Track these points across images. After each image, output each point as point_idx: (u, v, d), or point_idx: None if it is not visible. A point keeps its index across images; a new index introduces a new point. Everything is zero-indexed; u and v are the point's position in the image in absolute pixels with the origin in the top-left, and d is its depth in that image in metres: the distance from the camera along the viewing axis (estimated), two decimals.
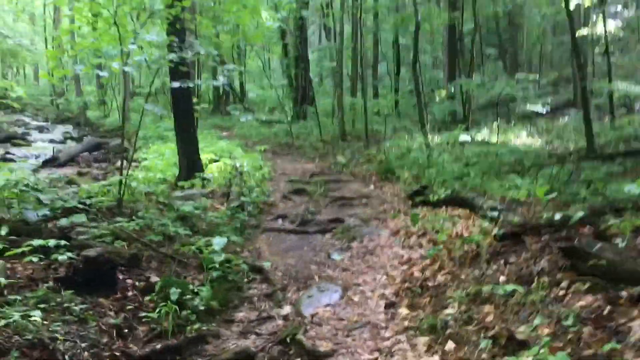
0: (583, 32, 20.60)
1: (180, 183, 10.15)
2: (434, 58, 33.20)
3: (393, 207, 9.49)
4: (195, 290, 5.35)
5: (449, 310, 4.50)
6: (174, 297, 5.02)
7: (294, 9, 16.87)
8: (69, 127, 27.46)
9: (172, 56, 8.25)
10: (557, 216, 5.00)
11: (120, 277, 5.76)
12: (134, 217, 7.47)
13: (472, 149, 13.36)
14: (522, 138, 17.52)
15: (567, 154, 14.61)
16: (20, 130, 24.85)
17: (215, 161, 12.36)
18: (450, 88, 18.21)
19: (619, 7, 27.13)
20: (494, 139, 16.93)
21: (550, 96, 24.70)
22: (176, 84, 8.93)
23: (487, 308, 4.24)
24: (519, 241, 5.31)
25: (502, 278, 4.59)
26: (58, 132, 26.12)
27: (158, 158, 12.41)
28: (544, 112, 20.87)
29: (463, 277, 5.12)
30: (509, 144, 15.75)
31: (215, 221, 7.89)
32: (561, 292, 3.96)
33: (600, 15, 19.29)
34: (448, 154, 13.11)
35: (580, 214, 4.89)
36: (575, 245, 4.02)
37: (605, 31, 18.78)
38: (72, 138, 23.17)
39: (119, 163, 16.14)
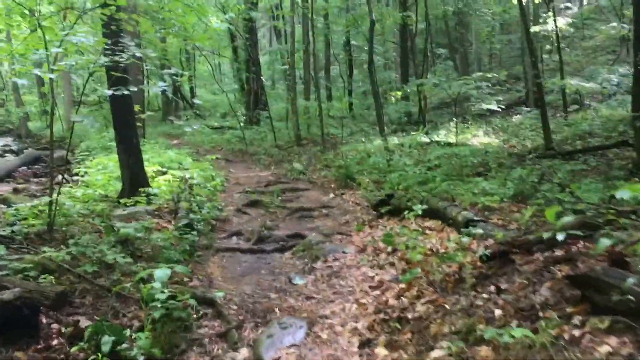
0: (534, 29, 20.33)
1: (122, 200, 9.12)
2: (386, 59, 32.74)
3: (356, 217, 8.71)
4: (134, 337, 4.43)
5: (436, 353, 3.71)
6: (106, 348, 4.09)
7: (242, 10, 15.96)
8: (9, 140, 25.77)
9: (104, 60, 7.26)
10: (547, 234, 4.29)
11: (44, 321, 4.79)
12: (67, 244, 6.48)
13: (432, 151, 12.73)
14: (479, 137, 17.05)
15: (526, 152, 14.18)
16: None
17: (163, 173, 11.35)
18: (405, 88, 17.59)
19: (566, 4, 27.21)
20: (451, 139, 16.42)
21: (500, 95, 24.50)
22: (111, 91, 7.89)
23: (485, 351, 3.48)
24: (508, 261, 4.58)
25: (497, 312, 3.83)
26: None
27: (100, 172, 11.30)
28: (499, 110, 20.51)
29: (448, 306, 4.34)
30: (467, 144, 15.23)
31: (161, 244, 6.94)
32: (576, 332, 3.22)
33: (550, 12, 19.03)
34: (408, 157, 12.45)
35: (575, 230, 4.21)
36: (590, 275, 3.28)
37: (556, 27, 18.52)
38: (11, 151, 21.61)
39: (59, 177, 14.93)
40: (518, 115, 21.31)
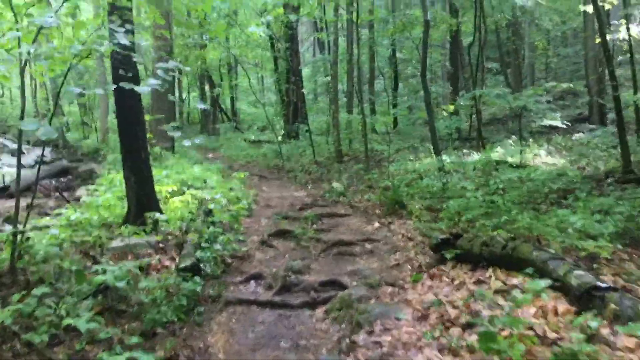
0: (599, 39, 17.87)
1: (123, 228, 7.28)
2: (432, 72, 30.54)
3: (409, 259, 6.61)
4: None
5: None
6: None
7: (281, 14, 14.17)
8: (46, 150, 24.63)
9: (106, 46, 5.42)
10: None
11: None
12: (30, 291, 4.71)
13: (499, 173, 10.49)
14: (541, 157, 14.69)
15: (602, 176, 11.83)
16: None
17: (181, 193, 9.50)
18: (459, 101, 15.37)
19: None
20: (510, 159, 14.16)
21: (558, 111, 21.99)
22: (101, 90, 6.00)
23: None
24: None
25: None
26: (33, 155, 23.27)
27: (109, 190, 9.53)
28: (559, 128, 18.09)
29: None
30: (530, 164, 12.92)
31: (152, 295, 5.02)
32: None
33: (623, 19, 16.55)
34: (467, 179, 10.27)
35: None
36: None
37: (630, 36, 16.03)
38: (44, 162, 20.30)
39: (80, 192, 13.22)
40: (580, 134, 18.78)
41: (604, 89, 18.91)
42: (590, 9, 16.34)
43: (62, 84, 6.35)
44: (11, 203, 13.37)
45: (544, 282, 3.76)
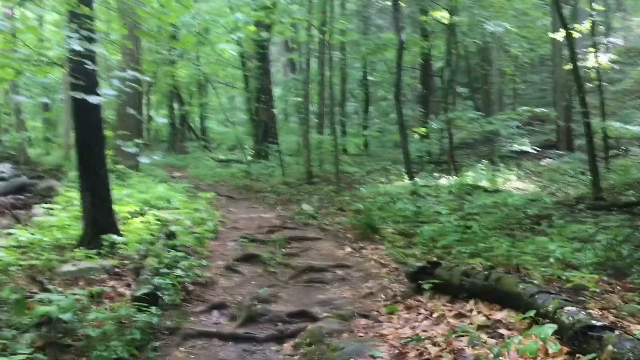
0: (568, 66, 18.04)
1: (76, 251, 6.71)
2: (403, 96, 30.54)
3: (383, 287, 6.20)
4: None
5: None
6: None
7: (253, 31, 13.81)
8: (6, 166, 23.61)
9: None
10: None
11: None
12: None
13: (473, 198, 10.23)
14: (511, 182, 14.57)
15: (572, 202, 11.72)
16: None
17: (143, 214, 8.94)
18: (431, 124, 15.17)
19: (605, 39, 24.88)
20: (482, 184, 14.01)
21: (527, 137, 22.08)
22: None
23: None
24: None
25: None
26: None
27: (66, 209, 8.92)
28: (528, 153, 18.13)
29: None
30: (501, 189, 12.74)
31: (102, 329, 4.49)
32: None
33: (591, 47, 16.70)
34: (440, 203, 9.98)
35: None
36: None
37: (598, 64, 16.20)
38: (2, 179, 19.36)
39: (36, 210, 12.47)
40: (548, 159, 18.82)
41: (571, 116, 19.04)
42: (559, 36, 16.47)
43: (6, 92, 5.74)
44: None
45: (550, 328, 3.38)
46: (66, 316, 4.28)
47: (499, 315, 4.40)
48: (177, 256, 6.37)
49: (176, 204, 9.83)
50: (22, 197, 15.67)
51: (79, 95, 4.94)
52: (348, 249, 8.29)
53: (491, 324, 4.26)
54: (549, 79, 29.75)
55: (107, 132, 7.98)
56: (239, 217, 11.46)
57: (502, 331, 4.13)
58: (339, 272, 7.07)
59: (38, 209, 10.91)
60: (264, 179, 16.47)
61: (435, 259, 6.26)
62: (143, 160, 4.92)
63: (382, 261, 7.31)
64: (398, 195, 10.40)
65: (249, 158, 18.39)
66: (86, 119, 7.17)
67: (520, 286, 4.30)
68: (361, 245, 8.48)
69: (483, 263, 5.86)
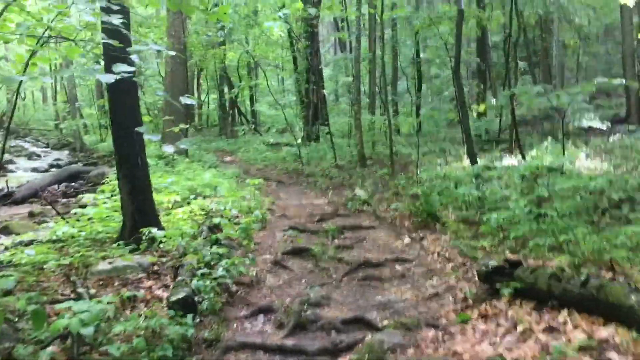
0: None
1: (115, 246, 6.18)
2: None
3: (450, 287, 5.37)
4: None
5: None
6: None
7: (300, 8, 12.98)
8: (64, 154, 23.86)
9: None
10: None
11: None
12: None
13: (547, 179, 9.12)
14: (581, 161, 13.27)
15: None
16: (7, 158, 21.21)
17: (187, 203, 8.37)
18: (498, 99, 13.93)
19: None
20: (548, 163, 12.82)
21: (593, 111, 20.45)
22: (110, 78, 4.71)
23: None
24: None
25: None
26: (50, 158, 22.51)
27: (111, 199, 8.45)
28: (602, 128, 16.65)
29: None
30: (576, 170, 11.53)
31: (129, 343, 3.87)
32: None
33: None
34: (508, 187, 8.97)
35: None
36: None
37: None
38: (58, 166, 19.45)
39: (86, 198, 12.15)
40: (617, 135, 17.28)
41: None
42: (630, 1, 14.88)
43: (25, 67, 5.13)
44: (15, 210, 12.43)
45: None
46: (87, 331, 3.67)
47: (604, 332, 3.51)
48: (219, 253, 5.71)
49: (222, 192, 9.22)
50: (74, 184, 15.56)
51: (104, 78, 4.27)
52: (407, 240, 7.47)
53: (596, 345, 3.38)
54: (613, 50, 27.69)
55: (146, 118, 7.40)
56: (288, 203, 10.79)
57: (612, 355, 3.25)
58: (398, 267, 6.27)
59: (85, 198, 10.56)
60: (315, 162, 15.73)
61: (509, 255, 5.37)
62: (166, 149, 4.17)
63: (447, 255, 6.46)
64: (459, 179, 9.42)
65: (299, 141, 17.68)
66: (120, 100, 6.59)
67: (633, 297, 3.39)
68: (421, 235, 7.63)
69: (567, 259, 4.94)
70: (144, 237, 6.22)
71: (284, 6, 13.90)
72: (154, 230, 6.25)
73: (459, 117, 17.04)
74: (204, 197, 8.98)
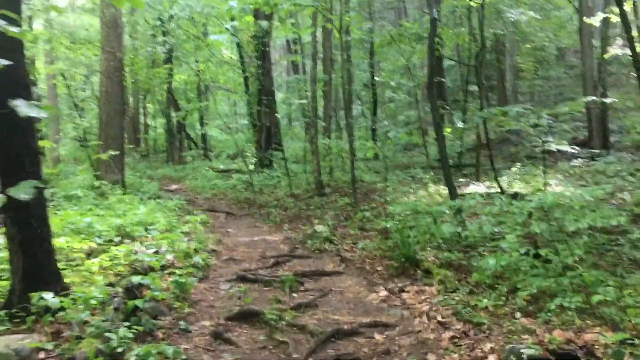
0: (612, 51, 15.65)
1: None
2: (412, 96, 28.08)
3: None
4: None
5: None
6: None
7: (251, 21, 11.43)
8: None
9: None
10: None
11: None
12: None
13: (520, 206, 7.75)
14: (551, 187, 12.11)
15: None
16: None
17: (112, 245, 6.54)
18: (459, 122, 12.65)
19: None
20: (521, 190, 11.64)
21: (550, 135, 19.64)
22: None
23: None
24: None
25: None
26: None
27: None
28: (563, 152, 15.65)
29: None
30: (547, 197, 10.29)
31: None
32: None
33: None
34: (491, 220, 7.53)
35: None
36: None
37: None
38: None
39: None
40: (579, 159, 16.34)
41: (607, 110, 16.60)
42: (595, 21, 14.10)
43: None
44: None
45: None
46: None
47: None
48: (134, 332, 3.96)
49: (156, 233, 7.41)
50: None
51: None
52: (382, 292, 5.88)
53: None
54: (565, 73, 27.28)
55: (45, 143, 5.61)
56: (238, 241, 9.08)
57: None
58: (378, 336, 4.66)
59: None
60: (268, 190, 14.06)
61: (543, 334, 3.83)
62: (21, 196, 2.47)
63: (439, 317, 4.88)
64: (435, 213, 7.93)
65: (251, 167, 15.99)
66: (10, 128, 4.79)
67: None
68: (399, 285, 6.06)
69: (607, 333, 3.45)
70: (33, 307, 4.41)
71: (233, 19, 12.31)
72: (48, 296, 4.44)
73: (423, 140, 15.84)
74: (133, 240, 7.16)
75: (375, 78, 23.87)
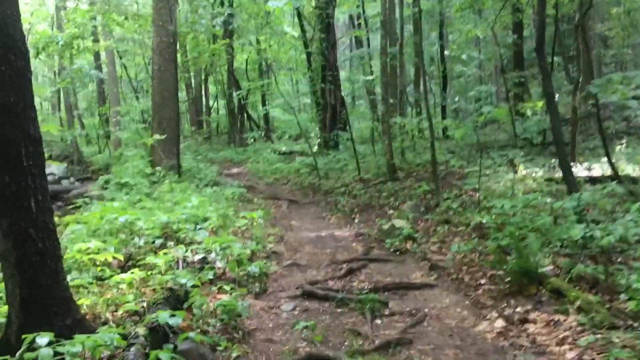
0: None
1: None
2: (482, 69, 25.63)
3: None
4: None
5: None
6: None
7: None
8: (61, 168, 20.89)
9: None
10: None
11: None
12: None
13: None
14: None
15: None
16: None
17: (153, 250, 5.22)
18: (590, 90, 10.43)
19: None
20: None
21: None
22: None
23: None
24: None
25: None
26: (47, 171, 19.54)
27: None
28: None
29: None
30: None
31: None
32: None
33: None
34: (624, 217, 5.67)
35: None
36: None
37: None
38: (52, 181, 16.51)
39: None
40: None
41: None
42: None
43: None
44: None
45: None
46: None
47: None
48: None
49: (205, 233, 6.03)
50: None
51: None
52: (499, 322, 4.23)
53: None
54: None
55: (49, 127, 4.30)
56: (302, 237, 7.65)
57: None
58: None
59: None
60: (335, 175, 12.53)
61: None
62: None
63: None
64: (556, 207, 6.10)
65: (315, 149, 14.51)
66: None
67: None
68: (518, 310, 4.40)
69: None
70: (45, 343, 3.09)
71: None
72: (42, 340, 3.09)
73: (512, 115, 13.82)
74: (178, 242, 5.81)
75: (445, 52, 21.76)
